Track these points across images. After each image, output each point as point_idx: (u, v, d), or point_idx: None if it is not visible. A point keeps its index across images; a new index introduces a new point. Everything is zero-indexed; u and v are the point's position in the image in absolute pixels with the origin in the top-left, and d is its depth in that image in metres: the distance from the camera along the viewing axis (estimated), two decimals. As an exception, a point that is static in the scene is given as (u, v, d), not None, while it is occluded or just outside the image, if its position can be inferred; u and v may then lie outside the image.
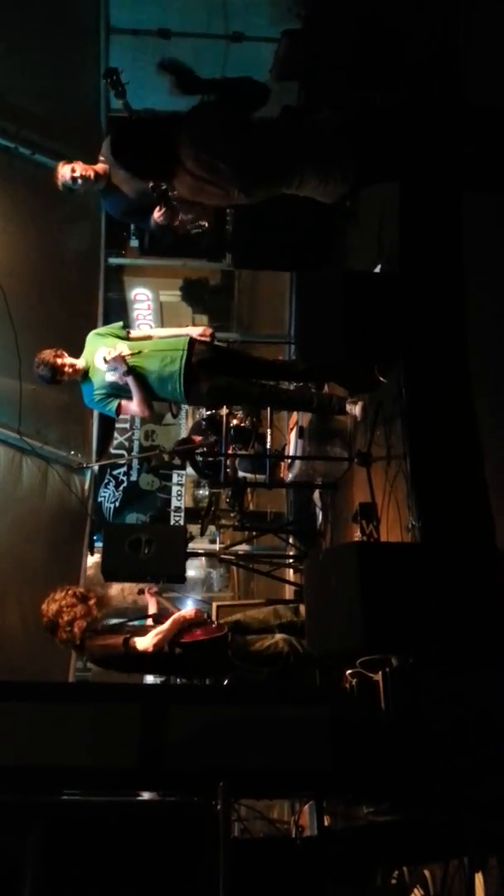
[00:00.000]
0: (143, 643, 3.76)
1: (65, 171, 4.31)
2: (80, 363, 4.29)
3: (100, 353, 4.24)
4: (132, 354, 4.22)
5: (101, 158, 4.32)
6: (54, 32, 5.35)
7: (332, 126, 2.83)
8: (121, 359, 4.12)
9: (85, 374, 4.30)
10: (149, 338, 4.51)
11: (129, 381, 4.16)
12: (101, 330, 4.47)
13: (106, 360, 4.15)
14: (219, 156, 2.80)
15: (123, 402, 4.27)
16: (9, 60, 5.20)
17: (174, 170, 2.87)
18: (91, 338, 4.37)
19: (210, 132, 2.87)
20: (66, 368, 4.24)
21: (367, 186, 2.95)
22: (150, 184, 4.08)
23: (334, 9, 4.19)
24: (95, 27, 5.56)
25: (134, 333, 4.53)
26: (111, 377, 4.20)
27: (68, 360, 4.27)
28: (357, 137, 2.76)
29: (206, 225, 4.49)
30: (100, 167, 4.34)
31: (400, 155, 2.79)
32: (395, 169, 2.96)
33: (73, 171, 4.29)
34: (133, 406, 4.26)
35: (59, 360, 4.23)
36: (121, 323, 4.55)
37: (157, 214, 4.36)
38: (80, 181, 4.30)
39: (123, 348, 4.21)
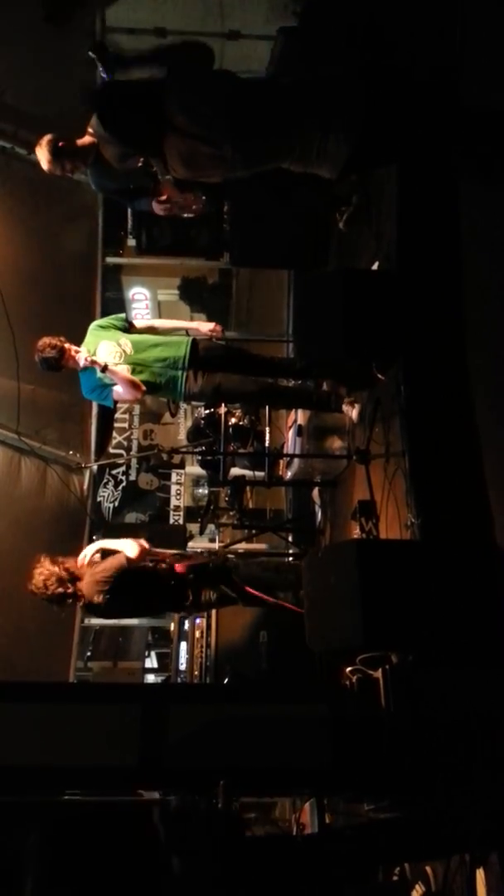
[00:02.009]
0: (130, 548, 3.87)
1: (54, 169, 4.02)
2: (83, 351, 4.25)
3: (102, 347, 4.22)
4: (131, 356, 4.21)
5: (90, 131, 4.03)
6: (50, 32, 5.34)
7: (335, 72, 2.62)
8: (89, 362, 4.13)
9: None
10: (152, 329, 4.48)
11: (109, 374, 4.16)
12: (102, 322, 4.41)
13: (81, 365, 4.17)
14: (206, 99, 2.58)
15: (115, 390, 4.24)
16: (4, 60, 5.20)
17: (164, 132, 2.69)
18: (93, 329, 4.33)
19: (194, 76, 2.68)
20: (73, 352, 4.19)
21: (369, 153, 2.74)
22: (140, 162, 4.02)
23: (330, 6, 4.18)
24: (92, 26, 5.56)
25: (137, 324, 4.49)
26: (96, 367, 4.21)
27: (71, 345, 4.23)
28: (371, 79, 2.56)
29: (200, 206, 4.39)
30: (87, 140, 4.05)
31: (403, 123, 2.65)
32: (396, 138, 2.77)
33: (65, 168, 4.01)
34: (124, 395, 4.26)
35: (65, 345, 4.19)
36: (123, 315, 4.50)
37: (158, 207, 4.31)
38: (71, 172, 4.12)
39: (116, 351, 4.18)
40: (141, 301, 9.87)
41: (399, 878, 3.08)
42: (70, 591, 3.86)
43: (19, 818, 2.41)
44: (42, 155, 4.02)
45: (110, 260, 6.56)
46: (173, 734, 2.52)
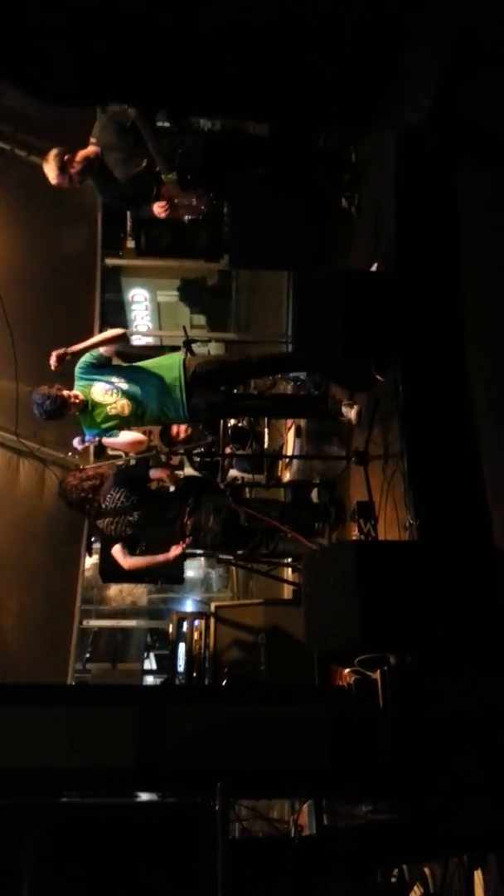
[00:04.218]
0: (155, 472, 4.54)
1: (63, 182, 4.17)
2: (79, 394, 4.25)
3: (96, 389, 4.25)
4: (125, 391, 4.26)
5: (93, 140, 4.17)
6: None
7: None
8: (85, 444, 4.32)
9: (84, 408, 4.27)
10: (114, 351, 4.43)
11: (107, 444, 4.32)
12: (81, 365, 4.28)
13: (79, 449, 4.35)
14: None
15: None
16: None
17: None
18: (77, 378, 4.28)
19: None
20: (73, 399, 4.20)
21: None
22: (143, 163, 4.07)
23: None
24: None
25: (104, 352, 4.33)
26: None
27: (69, 392, 4.23)
28: None
29: (204, 205, 4.40)
30: (91, 150, 4.18)
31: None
32: None
33: (73, 181, 4.15)
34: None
35: (63, 392, 4.18)
36: (88, 357, 4.28)
37: (158, 209, 4.33)
38: (78, 181, 4.21)
39: (110, 389, 4.25)
40: (140, 303, 9.89)
41: (398, 879, 3.08)
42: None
43: (16, 820, 2.40)
44: (49, 169, 4.15)
45: (109, 261, 6.57)
46: (171, 736, 2.51)
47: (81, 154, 4.17)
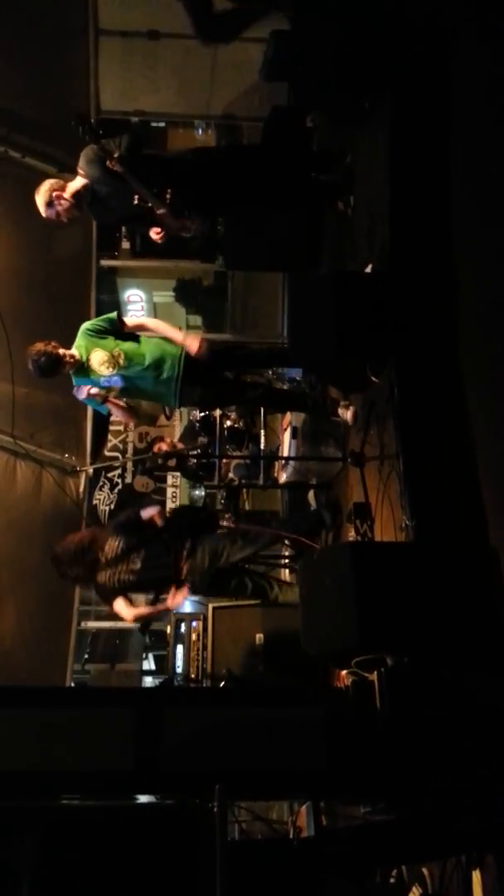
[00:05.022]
0: (148, 511, 4.42)
1: (50, 216, 4.21)
2: (76, 354, 4.19)
3: (95, 356, 4.17)
4: (124, 368, 4.19)
5: (80, 172, 4.15)
6: (44, 35, 5.34)
7: None
8: (91, 396, 4.17)
9: (79, 368, 4.21)
10: (142, 327, 4.41)
11: (110, 406, 4.19)
12: (92, 324, 4.30)
13: (81, 398, 4.18)
14: None
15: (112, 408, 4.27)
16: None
17: None
18: (84, 332, 4.24)
19: None
20: (67, 358, 4.13)
21: None
22: (135, 202, 4.10)
23: (319, 10, 4.18)
24: (84, 29, 5.56)
25: (128, 321, 4.40)
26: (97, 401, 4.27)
27: (65, 350, 4.17)
28: None
29: (195, 228, 4.46)
30: (79, 184, 4.16)
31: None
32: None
33: (59, 216, 4.19)
34: (119, 416, 4.32)
35: (59, 350, 4.13)
36: (114, 314, 4.37)
37: (155, 236, 4.39)
38: (65, 217, 4.23)
39: (108, 362, 4.16)
40: (136, 303, 9.88)
41: (396, 879, 3.08)
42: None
43: (15, 823, 2.40)
44: (39, 202, 4.20)
45: (105, 262, 6.57)
46: (169, 738, 2.51)
47: (71, 190, 4.17)
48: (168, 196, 4.17)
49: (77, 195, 4.18)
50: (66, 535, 4.38)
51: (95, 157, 4.06)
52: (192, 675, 4.83)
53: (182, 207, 4.26)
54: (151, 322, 4.56)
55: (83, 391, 4.17)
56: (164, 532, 4.33)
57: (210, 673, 4.75)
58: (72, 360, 4.15)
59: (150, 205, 4.14)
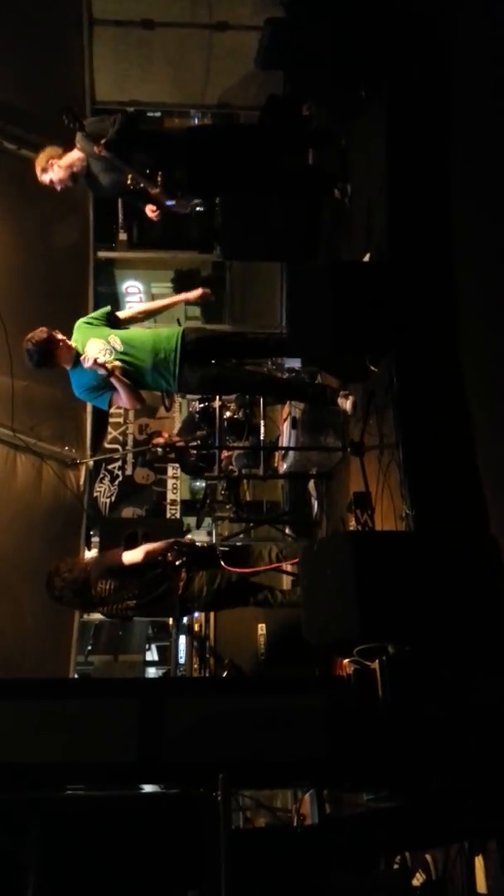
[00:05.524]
0: (132, 555, 4.08)
1: (44, 181, 4.30)
2: (72, 343, 4.15)
3: (90, 345, 4.11)
4: (121, 353, 4.12)
5: (78, 145, 4.20)
6: (37, 25, 5.31)
7: None
8: (98, 365, 4.00)
9: (76, 361, 4.14)
10: (137, 316, 4.41)
11: (114, 381, 4.09)
12: (89, 318, 4.28)
13: (87, 366, 4.02)
14: None
15: (113, 395, 4.16)
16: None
17: None
18: (80, 326, 4.21)
19: None
20: (62, 344, 4.07)
21: None
22: (128, 181, 4.10)
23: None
24: (78, 19, 5.52)
25: (122, 314, 4.38)
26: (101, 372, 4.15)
27: (62, 336, 4.11)
28: None
29: (193, 206, 4.46)
30: (76, 158, 4.23)
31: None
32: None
33: (52, 183, 4.27)
34: (123, 401, 4.18)
35: (55, 335, 4.07)
36: (108, 308, 4.35)
37: (150, 213, 4.40)
38: (59, 185, 4.29)
39: (104, 349, 4.09)
40: (134, 294, 9.85)
41: (400, 866, 3.10)
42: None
43: (21, 814, 2.42)
44: (37, 166, 4.29)
45: (102, 254, 6.54)
46: (172, 728, 2.53)
47: (67, 161, 4.24)
48: (160, 177, 4.18)
49: (71, 167, 4.25)
50: (58, 566, 4.20)
51: (88, 136, 4.09)
52: (195, 666, 4.85)
53: (175, 188, 4.27)
54: (144, 306, 4.56)
55: (89, 360, 4.01)
56: (156, 568, 4.20)
57: (212, 663, 4.77)
58: (64, 344, 4.08)
59: (143, 185, 4.15)
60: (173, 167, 4.25)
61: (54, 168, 4.24)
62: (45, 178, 4.30)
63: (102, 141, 3.97)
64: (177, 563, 4.16)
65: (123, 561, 4.13)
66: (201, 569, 4.28)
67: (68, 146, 4.28)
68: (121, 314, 4.39)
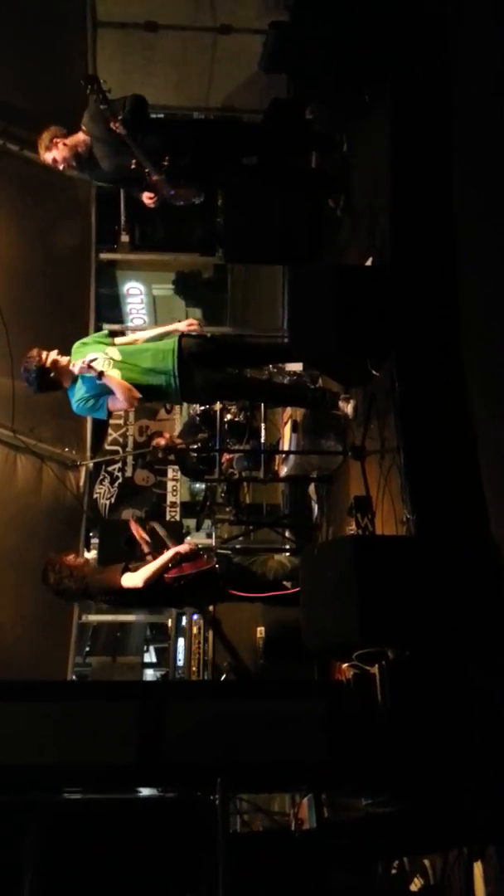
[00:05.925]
0: (131, 580, 3.91)
1: (47, 158, 4.30)
2: (65, 359, 4.10)
3: (87, 358, 4.05)
4: (120, 361, 4.10)
5: (83, 128, 4.21)
6: (41, 27, 5.31)
7: None
8: (87, 367, 3.96)
9: (74, 379, 4.11)
10: (135, 342, 4.36)
11: (106, 381, 4.05)
12: (85, 339, 4.31)
13: (77, 372, 4.01)
14: None
15: (109, 400, 4.10)
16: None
17: None
18: (76, 347, 4.21)
19: None
20: (49, 364, 4.01)
21: None
22: (132, 165, 4.10)
23: (316, 1, 4.16)
24: (82, 21, 5.53)
25: (119, 340, 4.35)
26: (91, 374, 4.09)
27: (53, 355, 4.06)
28: None
29: (194, 197, 4.45)
30: (80, 139, 4.23)
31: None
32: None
33: (55, 161, 4.27)
34: (119, 403, 4.12)
35: (43, 355, 4.03)
36: (105, 331, 4.43)
37: (148, 200, 4.37)
38: (62, 165, 4.29)
39: (104, 359, 4.05)
40: (136, 296, 9.86)
41: (398, 871, 3.10)
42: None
43: (18, 816, 2.41)
44: (40, 145, 4.29)
45: (104, 256, 6.54)
46: (171, 731, 2.52)
47: (73, 141, 4.24)
48: (165, 163, 4.18)
49: (76, 147, 4.24)
50: (59, 566, 4.05)
51: (99, 115, 4.07)
52: (194, 669, 4.85)
53: (178, 175, 4.26)
54: (142, 335, 4.49)
55: (77, 365, 3.99)
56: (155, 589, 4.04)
57: (211, 666, 4.77)
58: (55, 365, 4.03)
59: (146, 170, 4.14)
60: (180, 153, 4.24)
61: (59, 146, 4.22)
62: (48, 156, 4.27)
63: (119, 117, 3.95)
64: (175, 586, 4.02)
65: (122, 585, 3.97)
66: (201, 598, 4.26)
67: (73, 132, 4.29)
68: (118, 340, 4.36)
